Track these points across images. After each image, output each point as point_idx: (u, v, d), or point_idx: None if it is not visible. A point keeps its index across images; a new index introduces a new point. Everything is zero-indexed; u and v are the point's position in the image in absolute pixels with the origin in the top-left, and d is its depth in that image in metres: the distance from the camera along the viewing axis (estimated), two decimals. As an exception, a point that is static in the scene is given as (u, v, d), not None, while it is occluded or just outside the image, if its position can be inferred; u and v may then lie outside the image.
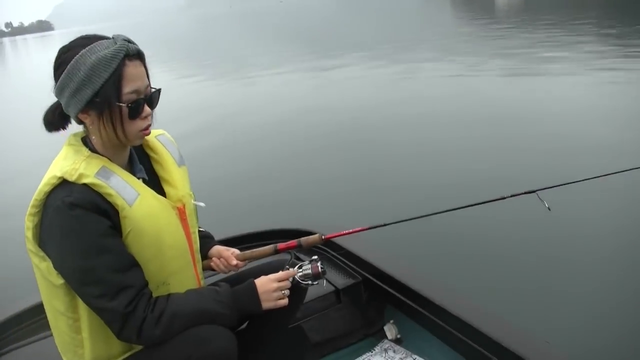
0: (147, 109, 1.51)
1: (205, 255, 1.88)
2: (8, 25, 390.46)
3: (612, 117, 7.02)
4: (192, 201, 1.71)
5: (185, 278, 1.64)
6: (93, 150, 1.51)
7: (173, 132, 1.81)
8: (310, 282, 1.82)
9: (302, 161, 6.70)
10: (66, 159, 1.46)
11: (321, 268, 1.81)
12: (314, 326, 2.29)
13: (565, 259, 3.74)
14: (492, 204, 2.06)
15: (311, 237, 1.94)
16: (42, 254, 1.45)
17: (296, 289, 1.86)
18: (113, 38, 1.46)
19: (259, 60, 19.01)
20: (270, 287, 1.65)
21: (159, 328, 1.45)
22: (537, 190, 2.05)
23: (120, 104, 1.44)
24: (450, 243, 4.04)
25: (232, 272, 1.92)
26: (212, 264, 1.90)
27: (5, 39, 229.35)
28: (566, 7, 24.70)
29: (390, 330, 2.30)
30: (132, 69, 1.45)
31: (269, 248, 1.94)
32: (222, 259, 1.89)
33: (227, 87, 14.14)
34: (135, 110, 1.47)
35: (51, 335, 1.61)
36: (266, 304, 1.64)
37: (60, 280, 1.45)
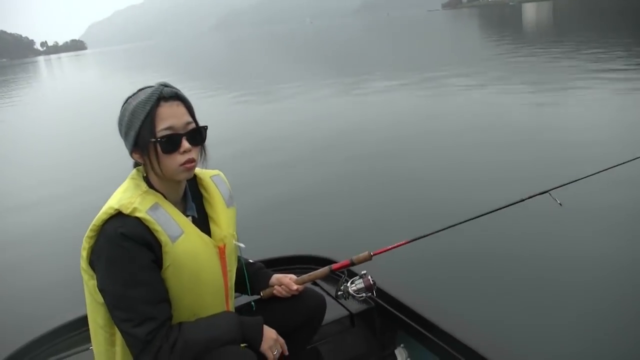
0: (185, 143, 1.62)
1: (266, 284, 2.05)
2: (43, 44, 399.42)
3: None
4: (234, 242, 1.83)
5: (217, 312, 1.76)
6: (150, 186, 1.67)
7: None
8: (364, 294, 2.03)
9: (328, 182, 6.86)
10: (125, 191, 1.63)
11: (372, 281, 2.02)
12: (329, 348, 2.44)
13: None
14: (506, 213, 2.30)
15: (361, 254, 2.09)
16: (91, 272, 1.62)
17: (317, 314, 2.05)
18: (154, 85, 1.64)
19: (287, 80, 19.37)
20: (273, 335, 1.79)
21: (173, 356, 1.56)
22: (550, 190, 2.35)
23: (154, 140, 1.59)
24: (460, 261, 4.16)
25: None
26: (274, 291, 2.05)
27: (41, 58, 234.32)
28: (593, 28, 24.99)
29: (401, 355, 2.43)
30: (166, 109, 1.60)
31: (324, 270, 2.11)
32: (283, 286, 2.04)
33: (258, 107, 14.45)
34: (168, 145, 1.60)
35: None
36: (265, 345, 1.76)
37: (102, 299, 1.60)
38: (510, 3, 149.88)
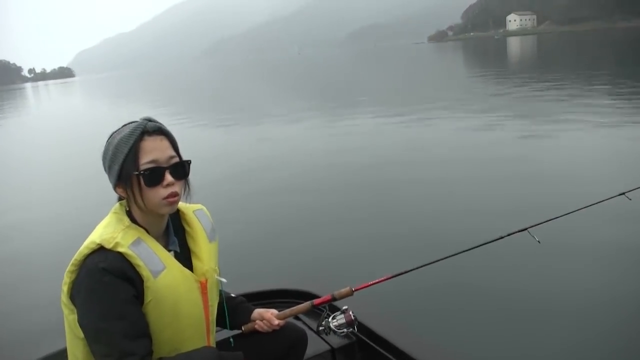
0: (168, 177, 1.64)
1: (247, 319, 2.05)
2: (31, 71, 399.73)
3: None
4: (215, 276, 1.84)
5: (198, 346, 1.76)
6: (133, 220, 1.68)
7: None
8: (345, 330, 2.02)
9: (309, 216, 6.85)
10: (107, 226, 1.64)
11: (354, 316, 2.02)
12: None
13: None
14: (487, 249, 2.34)
15: (343, 290, 2.10)
16: (71, 307, 1.61)
17: (298, 348, 2.05)
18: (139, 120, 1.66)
19: (271, 110, 19.51)
20: None
21: None
22: (528, 228, 2.37)
23: (137, 173, 1.61)
24: (441, 297, 4.16)
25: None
26: (256, 326, 2.04)
27: (28, 84, 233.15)
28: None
29: (382, 390, 2.42)
30: (149, 142, 1.62)
31: (306, 305, 2.10)
32: (264, 321, 2.04)
33: (242, 137, 14.51)
34: (151, 178, 1.62)
35: None
36: None
37: (82, 334, 1.60)
38: (495, 37, 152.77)
